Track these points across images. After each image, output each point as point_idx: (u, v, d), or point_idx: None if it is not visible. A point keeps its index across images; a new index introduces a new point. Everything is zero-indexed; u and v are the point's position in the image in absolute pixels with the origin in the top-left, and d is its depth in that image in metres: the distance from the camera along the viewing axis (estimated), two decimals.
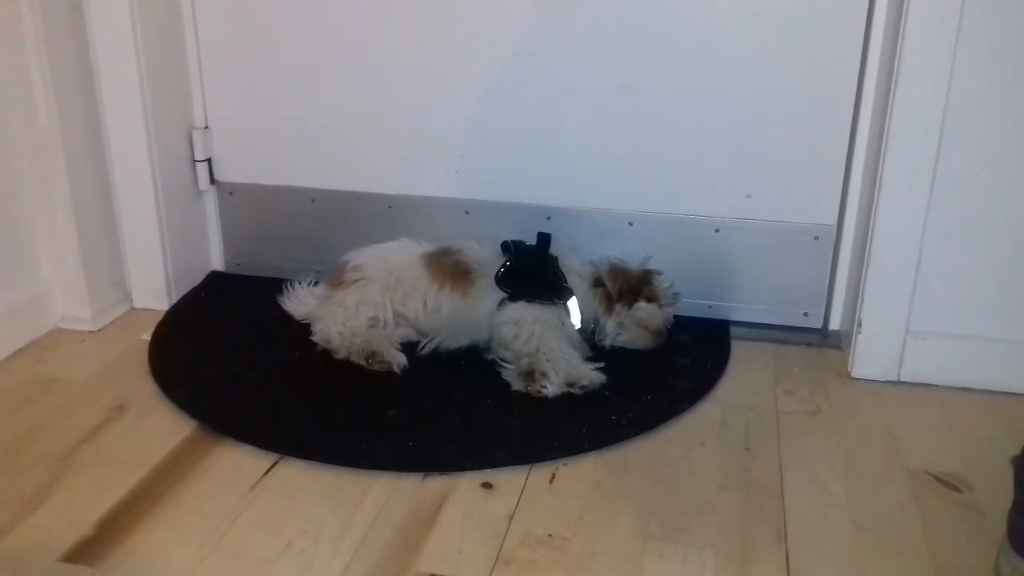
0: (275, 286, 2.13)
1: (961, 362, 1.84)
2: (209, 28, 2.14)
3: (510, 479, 1.55)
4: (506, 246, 1.93)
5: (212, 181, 2.25)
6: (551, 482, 1.55)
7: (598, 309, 1.93)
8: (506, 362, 1.83)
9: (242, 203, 2.27)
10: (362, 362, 1.85)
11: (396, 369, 1.84)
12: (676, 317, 1.99)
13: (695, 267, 2.06)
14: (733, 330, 2.06)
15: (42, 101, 1.90)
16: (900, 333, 1.84)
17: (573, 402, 1.76)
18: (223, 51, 2.15)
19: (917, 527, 1.44)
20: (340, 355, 1.87)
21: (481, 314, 1.89)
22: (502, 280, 1.88)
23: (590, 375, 1.79)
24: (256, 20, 2.11)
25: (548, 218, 2.09)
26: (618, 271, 1.94)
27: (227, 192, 2.27)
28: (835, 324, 2.07)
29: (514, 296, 1.87)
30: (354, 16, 2.06)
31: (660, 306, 1.94)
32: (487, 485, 1.53)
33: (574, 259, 1.97)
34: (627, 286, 1.92)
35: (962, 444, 1.67)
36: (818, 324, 2.07)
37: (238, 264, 2.33)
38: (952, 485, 1.54)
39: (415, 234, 2.03)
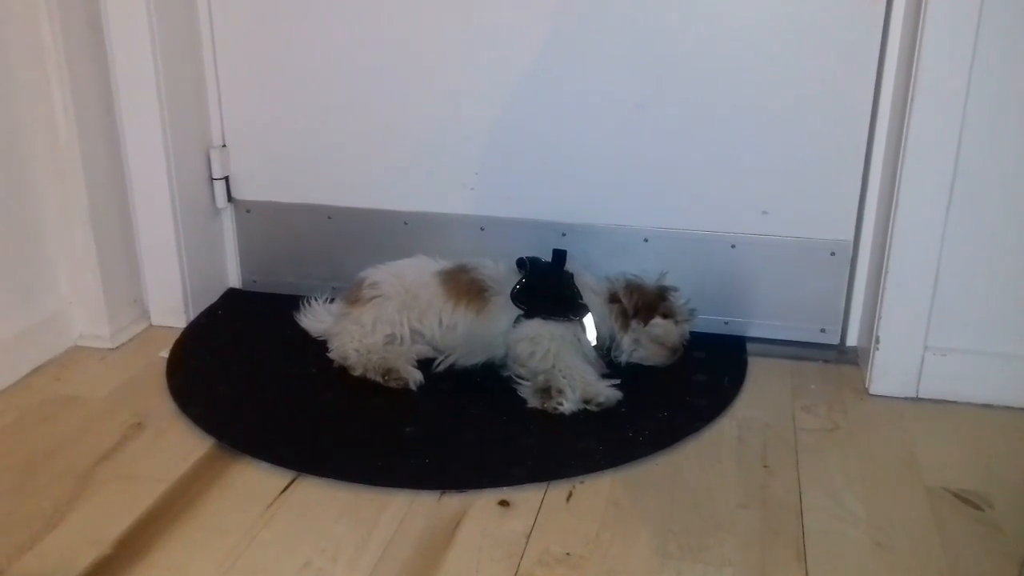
0: (292, 303, 2.14)
1: (980, 378, 1.82)
2: (227, 48, 2.16)
3: (527, 497, 1.55)
4: (521, 263, 1.93)
5: (229, 199, 2.27)
6: (568, 500, 1.54)
7: (614, 326, 1.93)
8: (522, 379, 1.83)
9: (259, 221, 2.28)
10: (379, 379, 1.86)
11: (412, 386, 1.85)
12: (692, 333, 1.98)
13: (711, 283, 2.06)
14: (750, 346, 2.05)
15: (62, 120, 1.92)
16: (918, 349, 1.83)
17: (589, 419, 1.75)
18: (240, 70, 2.17)
19: (936, 545, 1.43)
20: (357, 372, 1.88)
21: (497, 331, 1.89)
22: (518, 297, 1.88)
23: (606, 392, 1.79)
24: (273, 40, 2.13)
25: (563, 235, 2.09)
26: (634, 287, 1.94)
27: (244, 210, 2.28)
28: (852, 340, 2.06)
29: (530, 313, 1.87)
30: (370, 36, 2.07)
31: (676, 322, 1.94)
32: (504, 503, 1.53)
33: (589, 276, 1.97)
34: (643, 302, 1.92)
35: (982, 461, 1.66)
36: (835, 340, 2.06)
37: (255, 281, 2.35)
38: (972, 503, 1.53)
39: (431, 251, 2.04)
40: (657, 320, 1.91)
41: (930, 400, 1.85)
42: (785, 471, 1.62)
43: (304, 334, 2.07)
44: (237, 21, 2.13)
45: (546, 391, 1.77)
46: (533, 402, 1.78)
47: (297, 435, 1.72)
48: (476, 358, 1.92)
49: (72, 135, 1.93)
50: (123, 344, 2.10)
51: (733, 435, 1.73)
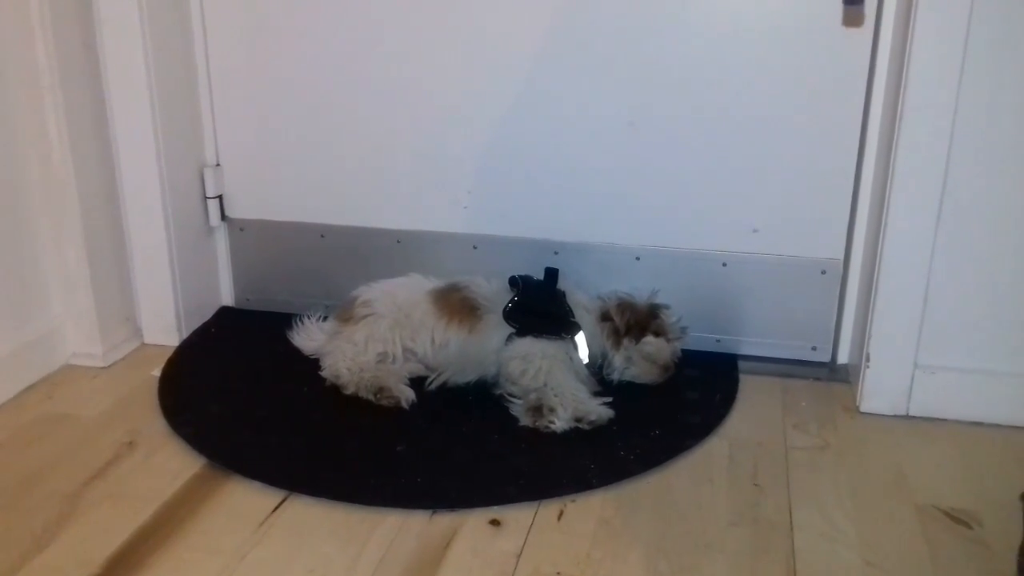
0: (285, 321, 2.14)
1: (970, 396, 1.83)
2: (221, 68, 2.17)
3: (518, 516, 1.55)
4: (514, 281, 1.94)
5: (223, 217, 2.28)
6: (559, 519, 1.54)
7: (606, 344, 1.93)
8: (514, 397, 1.83)
9: (252, 239, 2.29)
10: (371, 397, 1.86)
11: (404, 404, 1.85)
12: (684, 351, 1.99)
13: (702, 301, 2.07)
14: (741, 364, 2.06)
15: (56, 139, 1.93)
16: (908, 367, 1.84)
17: (581, 437, 1.76)
18: (234, 90, 2.18)
19: (927, 564, 1.43)
20: (349, 390, 1.88)
21: (489, 349, 1.90)
22: (510, 315, 1.89)
23: (598, 410, 1.79)
24: (267, 59, 2.14)
25: (556, 253, 2.10)
26: (626, 305, 1.95)
27: (238, 228, 2.29)
28: (843, 358, 2.07)
29: (522, 331, 1.88)
30: (363, 55, 2.08)
31: (668, 340, 1.94)
32: (495, 522, 1.53)
33: (581, 294, 1.98)
34: (635, 320, 1.93)
35: (972, 479, 1.66)
36: (826, 358, 2.07)
37: (248, 299, 2.35)
38: (962, 521, 1.53)
39: (424, 269, 2.05)
40: (649, 338, 1.92)
41: (920, 418, 1.85)
42: (776, 489, 1.62)
43: (297, 352, 2.07)
44: (231, 42, 2.14)
45: (538, 409, 1.78)
46: (525, 420, 1.79)
47: (288, 454, 1.72)
48: (468, 376, 1.93)
49: (66, 155, 1.94)
50: (115, 362, 2.10)
51: (724, 453, 1.74)
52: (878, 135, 1.90)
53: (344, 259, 2.23)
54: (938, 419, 1.84)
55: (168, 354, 2.11)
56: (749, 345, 2.09)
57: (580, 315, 1.92)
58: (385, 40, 2.07)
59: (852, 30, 1.85)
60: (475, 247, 2.15)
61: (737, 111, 1.95)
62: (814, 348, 2.06)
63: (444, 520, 1.54)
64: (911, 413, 1.86)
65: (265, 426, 1.81)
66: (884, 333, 1.84)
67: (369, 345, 1.92)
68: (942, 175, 1.73)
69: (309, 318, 2.13)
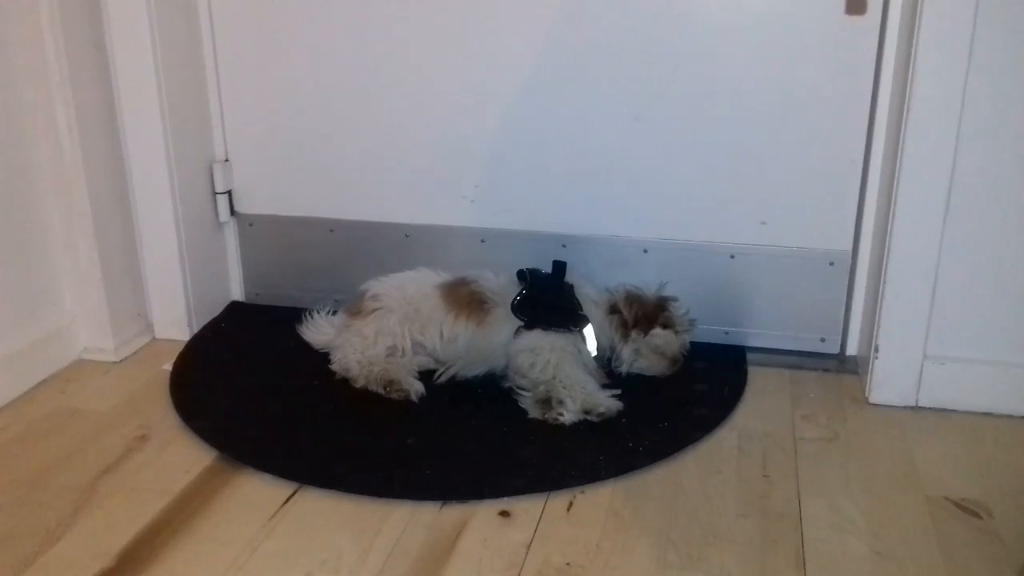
0: (294, 316, 2.15)
1: (979, 387, 1.83)
2: (229, 64, 2.18)
3: (528, 507, 1.55)
4: (522, 275, 1.94)
5: (232, 213, 2.29)
6: (569, 510, 1.55)
7: (614, 336, 1.94)
8: (523, 390, 1.84)
9: (262, 234, 2.30)
10: (380, 390, 1.87)
11: (414, 397, 1.86)
12: (692, 343, 1.99)
13: (711, 293, 2.07)
14: (750, 356, 2.06)
15: (66, 136, 1.94)
16: (917, 358, 1.84)
17: (590, 429, 1.76)
18: (243, 85, 2.19)
19: (936, 554, 1.44)
20: (359, 384, 1.89)
21: (497, 343, 1.91)
22: (518, 308, 1.89)
23: (607, 402, 1.80)
24: (274, 56, 2.15)
25: (563, 246, 2.10)
26: (634, 298, 1.95)
27: (247, 223, 2.30)
28: (852, 349, 2.07)
29: (530, 324, 1.88)
30: (370, 50, 2.09)
31: (676, 333, 1.94)
32: (505, 513, 1.54)
33: (590, 287, 1.98)
34: (643, 313, 1.93)
35: (981, 470, 1.66)
36: (835, 349, 2.07)
37: (258, 294, 2.36)
38: (971, 511, 1.54)
39: (432, 263, 2.05)
40: (657, 330, 1.92)
41: (929, 409, 1.85)
42: (785, 480, 1.62)
43: (306, 346, 2.08)
44: (239, 38, 2.15)
45: (547, 402, 1.78)
46: (534, 413, 1.79)
47: (299, 447, 1.73)
48: (477, 369, 1.93)
49: (76, 151, 1.95)
50: (127, 357, 2.11)
51: (733, 445, 1.74)
52: (886, 125, 1.89)
53: (353, 253, 2.24)
54: (947, 410, 1.84)
55: (179, 349, 2.12)
56: (757, 337, 2.09)
57: (588, 308, 1.93)
58: (393, 36, 2.07)
59: (858, 19, 1.84)
60: (483, 241, 2.16)
61: (743, 103, 1.95)
62: (823, 339, 2.06)
63: (454, 512, 1.54)
64: (920, 404, 1.86)
65: (276, 419, 1.82)
66: (893, 324, 1.83)
67: (379, 339, 1.93)
68: (950, 165, 1.73)
69: (319, 312, 2.14)
